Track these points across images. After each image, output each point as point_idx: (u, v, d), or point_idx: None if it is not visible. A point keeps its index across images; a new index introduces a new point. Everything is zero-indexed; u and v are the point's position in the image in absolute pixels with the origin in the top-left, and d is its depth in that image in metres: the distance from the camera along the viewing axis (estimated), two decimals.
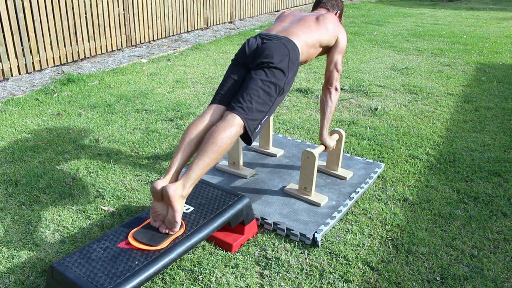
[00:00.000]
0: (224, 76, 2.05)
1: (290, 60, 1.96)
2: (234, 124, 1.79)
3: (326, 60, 2.25)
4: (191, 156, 1.83)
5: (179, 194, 1.66)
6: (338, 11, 2.41)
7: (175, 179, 1.78)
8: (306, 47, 2.08)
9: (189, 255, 1.89)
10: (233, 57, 2.08)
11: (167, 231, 1.71)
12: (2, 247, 1.94)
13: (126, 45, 5.78)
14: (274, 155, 2.71)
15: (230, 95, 1.95)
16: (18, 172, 2.57)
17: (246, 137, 1.90)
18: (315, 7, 2.43)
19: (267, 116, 1.94)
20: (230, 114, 1.82)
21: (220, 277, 1.77)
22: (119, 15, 5.54)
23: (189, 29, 6.90)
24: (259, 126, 1.91)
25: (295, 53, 1.99)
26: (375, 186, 2.48)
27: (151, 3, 5.97)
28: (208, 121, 1.87)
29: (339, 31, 2.20)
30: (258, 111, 1.87)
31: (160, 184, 1.69)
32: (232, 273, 1.80)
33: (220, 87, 2.00)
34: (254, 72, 1.92)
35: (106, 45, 5.47)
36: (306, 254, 1.92)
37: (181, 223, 1.77)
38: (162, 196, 1.69)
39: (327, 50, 2.24)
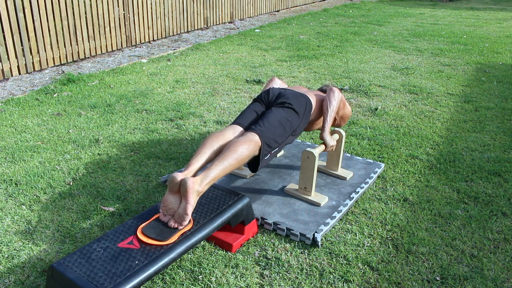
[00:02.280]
0: (245, 108, 2.27)
1: (306, 108, 2.24)
2: (253, 140, 1.94)
3: None
4: (208, 162, 1.93)
5: (196, 188, 1.73)
6: None
7: (193, 176, 1.85)
8: (317, 107, 2.36)
9: (189, 255, 1.89)
10: (256, 97, 2.33)
11: (175, 225, 1.73)
12: (2, 247, 1.94)
13: (126, 45, 5.78)
14: None
15: (249, 123, 2.15)
16: (18, 172, 2.58)
17: (254, 163, 2.04)
18: None
19: (277, 149, 2.11)
20: (250, 133, 1.98)
21: (220, 277, 1.77)
22: (119, 15, 5.54)
23: (189, 29, 6.90)
24: (269, 155, 2.06)
25: (310, 105, 2.28)
26: (375, 186, 2.48)
27: (151, 3, 5.97)
28: (228, 136, 2.03)
29: (345, 102, 2.51)
30: (273, 140, 2.04)
31: (180, 176, 1.75)
32: (232, 273, 1.80)
33: (240, 115, 2.20)
34: (275, 108, 2.17)
35: (106, 45, 5.47)
36: (306, 254, 1.92)
37: (190, 219, 1.79)
38: (178, 188, 1.75)
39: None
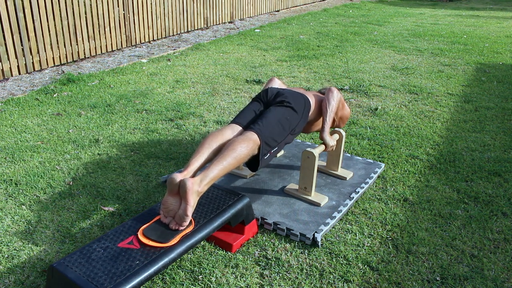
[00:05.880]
0: (244, 107, 2.28)
1: (305, 107, 2.25)
2: (252, 139, 1.93)
3: None
4: (207, 162, 1.93)
5: (195, 188, 1.72)
6: None
7: (192, 177, 1.85)
8: (316, 108, 2.36)
9: (189, 255, 1.89)
10: (254, 96, 2.31)
11: (177, 227, 1.72)
12: (2, 247, 1.94)
13: (126, 45, 5.78)
14: None
15: (248, 122, 2.14)
16: (18, 172, 2.58)
17: (253, 162, 2.03)
18: None
19: (277, 148, 2.10)
20: (249, 132, 1.98)
21: (220, 277, 1.77)
22: (119, 15, 5.54)
23: (189, 29, 6.90)
24: (269, 154, 2.05)
25: (309, 105, 2.29)
26: (375, 186, 2.48)
27: (151, 3, 5.97)
28: (227, 135, 2.02)
29: (344, 103, 2.54)
30: (272, 139, 2.03)
31: (179, 177, 1.74)
32: (232, 273, 1.80)
33: (239, 114, 2.20)
34: (274, 107, 2.16)
35: (106, 45, 5.47)
36: (306, 254, 1.92)
37: (190, 220, 1.78)
38: (178, 189, 1.74)
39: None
